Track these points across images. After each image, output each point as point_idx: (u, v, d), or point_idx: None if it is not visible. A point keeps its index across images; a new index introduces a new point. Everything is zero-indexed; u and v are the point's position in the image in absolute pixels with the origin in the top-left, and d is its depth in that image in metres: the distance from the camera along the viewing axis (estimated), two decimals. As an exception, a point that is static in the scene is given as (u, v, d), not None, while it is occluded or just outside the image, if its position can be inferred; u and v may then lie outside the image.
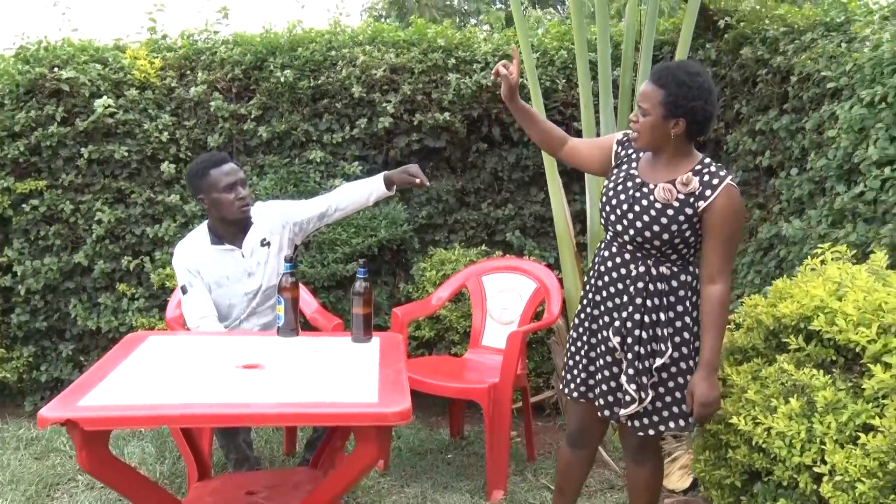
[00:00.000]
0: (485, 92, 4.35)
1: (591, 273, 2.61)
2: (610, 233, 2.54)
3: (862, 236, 2.94)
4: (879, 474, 2.06)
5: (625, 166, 2.55)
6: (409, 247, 4.51)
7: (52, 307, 4.42)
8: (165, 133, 4.27)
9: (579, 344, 2.64)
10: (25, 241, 4.33)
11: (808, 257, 2.72)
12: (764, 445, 2.36)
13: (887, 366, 2.16)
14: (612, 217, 2.49)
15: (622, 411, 2.50)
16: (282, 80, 4.24)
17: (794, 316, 2.51)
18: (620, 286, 2.49)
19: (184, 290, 3.22)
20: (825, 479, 2.17)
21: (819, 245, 2.77)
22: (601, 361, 2.55)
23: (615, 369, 2.52)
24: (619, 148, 2.60)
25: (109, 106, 4.16)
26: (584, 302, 2.63)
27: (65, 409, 2.06)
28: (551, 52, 4.47)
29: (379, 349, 2.73)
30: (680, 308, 2.46)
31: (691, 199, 2.37)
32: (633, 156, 2.55)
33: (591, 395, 2.61)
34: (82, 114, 4.23)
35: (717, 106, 2.44)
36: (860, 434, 2.12)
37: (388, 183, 3.37)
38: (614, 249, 2.52)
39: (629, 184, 2.48)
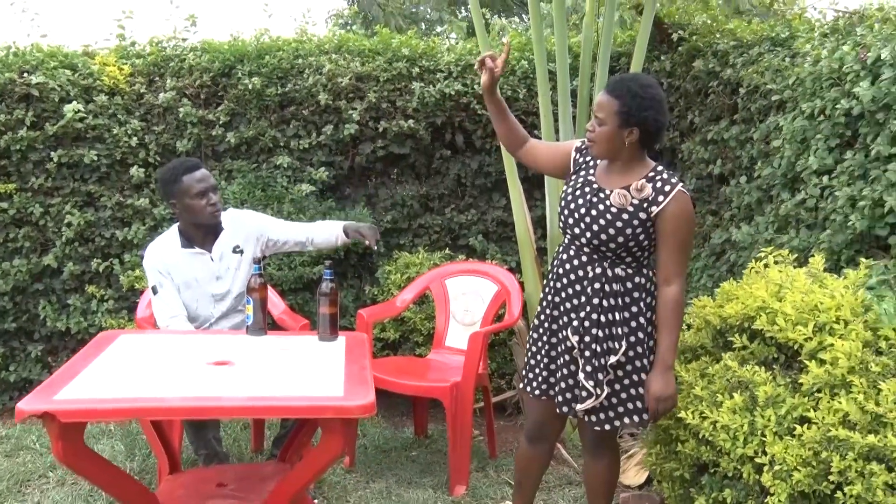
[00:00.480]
0: (448, 100, 4.48)
1: (550, 276, 2.73)
2: (568, 236, 2.66)
3: (804, 241, 3.11)
4: (814, 463, 2.21)
5: (583, 173, 2.67)
6: (375, 250, 4.61)
7: (21, 308, 4.46)
8: (135, 138, 4.34)
9: (539, 344, 2.75)
10: (-6, 243, 4.38)
11: (753, 261, 2.88)
12: (710, 438, 2.51)
13: (822, 362, 2.32)
14: (571, 221, 2.61)
15: (579, 406, 2.61)
16: (249, 87, 4.33)
17: (738, 316, 2.66)
18: (578, 287, 2.61)
19: (154, 291, 3.29)
20: (765, 468, 2.32)
21: (763, 249, 2.93)
22: (561, 360, 2.67)
23: (573, 367, 2.64)
24: (578, 155, 2.73)
25: (79, 111, 4.23)
26: (544, 304, 2.74)
27: (42, 402, 2.14)
28: (512, 62, 4.61)
29: (345, 347, 2.84)
30: (635, 309, 2.59)
31: (645, 205, 2.49)
32: (591, 163, 2.68)
33: (551, 392, 2.73)
34: (52, 118, 4.28)
35: (668, 116, 2.58)
36: (796, 426, 2.27)
37: (346, 233, 3.54)
38: (572, 252, 2.64)
39: (587, 189, 2.60)
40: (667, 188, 2.48)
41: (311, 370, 2.55)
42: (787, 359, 2.55)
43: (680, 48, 4.35)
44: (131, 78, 4.42)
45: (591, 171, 2.65)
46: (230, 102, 4.41)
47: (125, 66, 4.41)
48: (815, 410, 2.26)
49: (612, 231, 2.51)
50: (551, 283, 2.71)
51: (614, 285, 2.57)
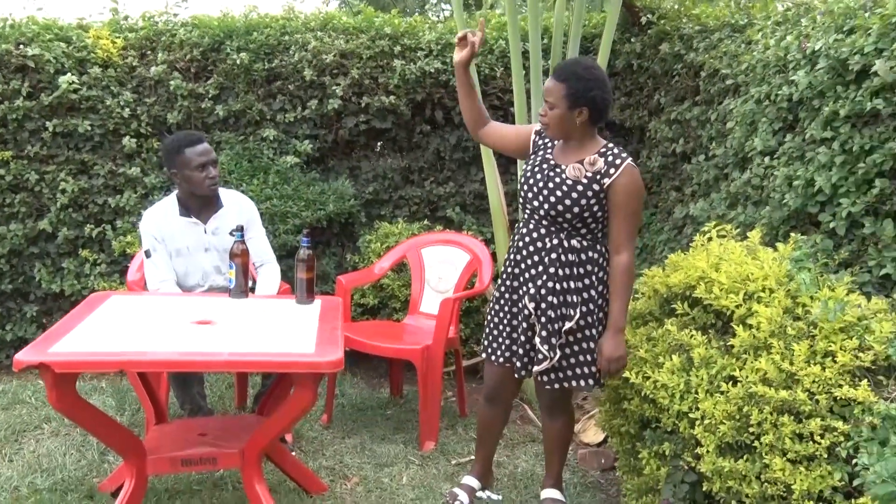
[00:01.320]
0: (428, 77, 4.67)
1: (511, 248, 2.95)
2: (528, 210, 2.87)
3: (749, 217, 3.33)
4: (737, 416, 2.44)
5: (541, 153, 2.89)
6: (357, 220, 4.83)
7: (18, 271, 4.68)
8: (127, 109, 4.53)
9: (501, 314, 2.98)
10: (-9, 208, 4.58)
11: (699, 234, 3.10)
12: (652, 396, 2.74)
13: (749, 326, 2.55)
14: (530, 195, 2.82)
15: (535, 368, 2.85)
16: (238, 62, 4.52)
17: (681, 285, 2.88)
18: (536, 258, 2.83)
19: (147, 255, 3.49)
20: (697, 422, 2.56)
21: (707, 224, 3.15)
22: (521, 326, 2.89)
23: (529, 333, 2.87)
24: (537, 137, 2.94)
25: (73, 82, 4.41)
26: (504, 275, 2.97)
27: (38, 354, 2.37)
28: (490, 41, 4.80)
29: (320, 310, 3.06)
30: (587, 281, 2.81)
31: (598, 177, 2.70)
32: (548, 143, 2.90)
33: (513, 359, 2.96)
34: (47, 89, 4.46)
35: (611, 93, 2.77)
36: (723, 384, 2.51)
37: None
38: (531, 226, 2.85)
39: (544, 166, 2.82)
40: (617, 161, 2.70)
41: (287, 330, 2.78)
42: (723, 324, 2.78)
43: (649, 31, 4.54)
44: (124, 51, 4.59)
45: (549, 151, 2.87)
46: (219, 76, 4.59)
47: (118, 40, 4.59)
48: (740, 370, 2.49)
49: (567, 202, 2.72)
50: (511, 255, 2.93)
51: (570, 256, 2.79)
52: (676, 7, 4.42)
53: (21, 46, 4.45)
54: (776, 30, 3.47)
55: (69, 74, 4.41)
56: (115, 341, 2.55)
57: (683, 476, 2.72)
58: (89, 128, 4.50)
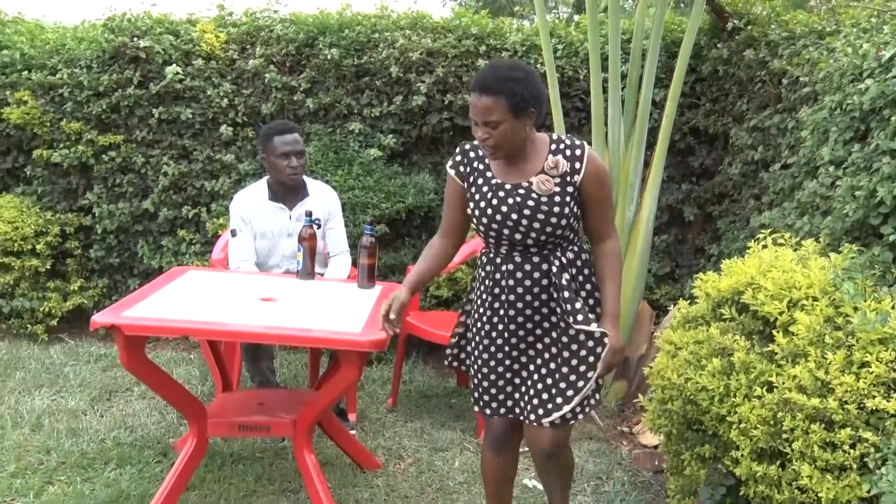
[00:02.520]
0: (512, 78, 4.76)
1: (493, 290, 2.56)
2: (504, 245, 2.51)
3: (815, 227, 3.27)
4: (771, 422, 2.45)
5: (480, 180, 2.52)
6: (437, 214, 4.97)
7: (124, 246, 5.09)
8: (225, 99, 4.82)
9: (501, 369, 2.58)
10: (104, 187, 4.99)
11: (754, 241, 3.07)
12: (693, 398, 2.76)
13: (791, 334, 2.54)
14: (505, 231, 2.47)
15: (573, 401, 2.49)
16: (329, 57, 4.73)
17: (730, 290, 2.89)
18: (536, 289, 2.51)
19: (233, 234, 3.74)
20: (734, 426, 2.57)
21: (762, 231, 3.12)
22: (528, 365, 2.57)
23: (544, 370, 2.54)
24: (457, 169, 2.59)
25: (178, 73, 4.74)
26: (489, 326, 2.57)
27: (111, 317, 2.61)
28: (576, 44, 4.85)
29: (378, 294, 3.21)
30: (589, 286, 2.60)
31: (567, 178, 2.45)
32: (479, 166, 2.54)
33: (504, 409, 2.61)
34: (155, 79, 4.81)
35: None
36: (758, 388, 2.51)
37: None
38: (518, 259, 2.50)
39: (501, 193, 2.46)
40: (577, 153, 2.46)
41: (342, 310, 2.93)
42: (770, 331, 2.77)
43: (737, 37, 4.48)
44: (226, 45, 4.89)
45: (489, 174, 2.51)
46: (311, 71, 4.82)
47: (221, 34, 4.89)
48: (777, 377, 2.49)
49: (553, 220, 2.44)
50: (502, 298, 2.53)
51: (572, 270, 2.54)
52: (764, 14, 4.34)
53: (135, 39, 4.80)
54: (860, 37, 3.38)
55: (175, 65, 4.74)
56: (181, 310, 2.77)
57: (721, 479, 2.73)
58: (191, 116, 4.82)
